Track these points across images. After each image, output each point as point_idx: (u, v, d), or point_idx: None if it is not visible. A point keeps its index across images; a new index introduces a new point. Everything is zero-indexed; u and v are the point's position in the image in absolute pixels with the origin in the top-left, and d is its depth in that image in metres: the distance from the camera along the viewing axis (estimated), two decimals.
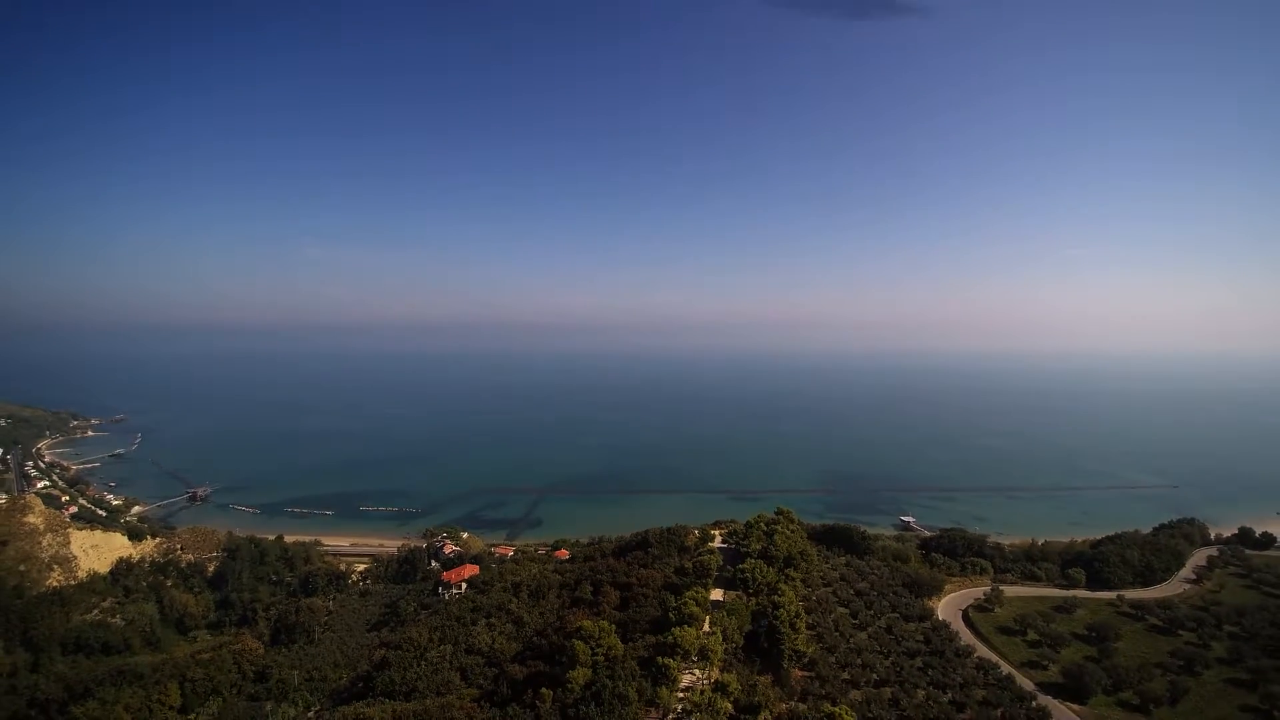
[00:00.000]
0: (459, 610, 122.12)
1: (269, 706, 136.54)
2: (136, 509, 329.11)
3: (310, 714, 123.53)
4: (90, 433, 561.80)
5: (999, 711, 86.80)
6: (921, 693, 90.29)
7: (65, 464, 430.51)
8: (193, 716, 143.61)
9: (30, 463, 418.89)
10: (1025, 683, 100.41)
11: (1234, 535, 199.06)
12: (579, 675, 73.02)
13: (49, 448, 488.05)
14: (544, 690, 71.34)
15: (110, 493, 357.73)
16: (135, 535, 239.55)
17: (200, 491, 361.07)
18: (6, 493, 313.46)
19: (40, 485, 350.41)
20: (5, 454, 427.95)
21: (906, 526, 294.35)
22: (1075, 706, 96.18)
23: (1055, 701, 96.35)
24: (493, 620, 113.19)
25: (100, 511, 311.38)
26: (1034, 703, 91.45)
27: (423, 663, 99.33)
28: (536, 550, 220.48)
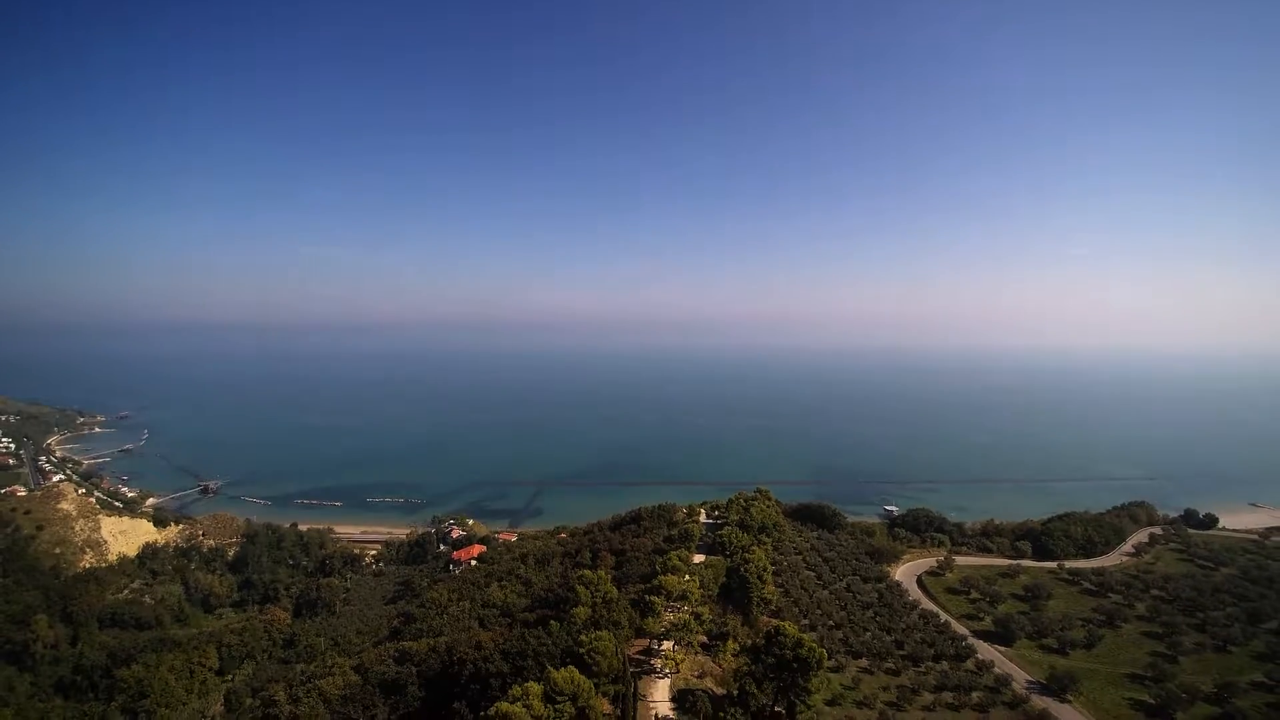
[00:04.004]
0: (473, 576, 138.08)
1: (299, 667, 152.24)
2: (151, 501, 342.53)
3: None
4: (97, 429, 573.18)
5: (932, 649, 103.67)
6: (869, 634, 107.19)
7: (77, 459, 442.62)
8: (229, 677, 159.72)
9: (43, 458, 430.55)
10: (960, 629, 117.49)
11: (1180, 516, 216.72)
12: (581, 612, 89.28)
13: (59, 443, 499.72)
14: (552, 623, 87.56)
15: (124, 486, 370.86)
16: (160, 522, 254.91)
17: (212, 484, 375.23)
18: (24, 486, 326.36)
19: (55, 479, 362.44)
20: (17, 449, 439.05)
21: (889, 516, 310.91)
22: (1001, 648, 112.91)
23: (983, 643, 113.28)
24: (504, 583, 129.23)
25: (117, 504, 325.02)
26: (964, 642, 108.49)
27: (444, 616, 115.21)
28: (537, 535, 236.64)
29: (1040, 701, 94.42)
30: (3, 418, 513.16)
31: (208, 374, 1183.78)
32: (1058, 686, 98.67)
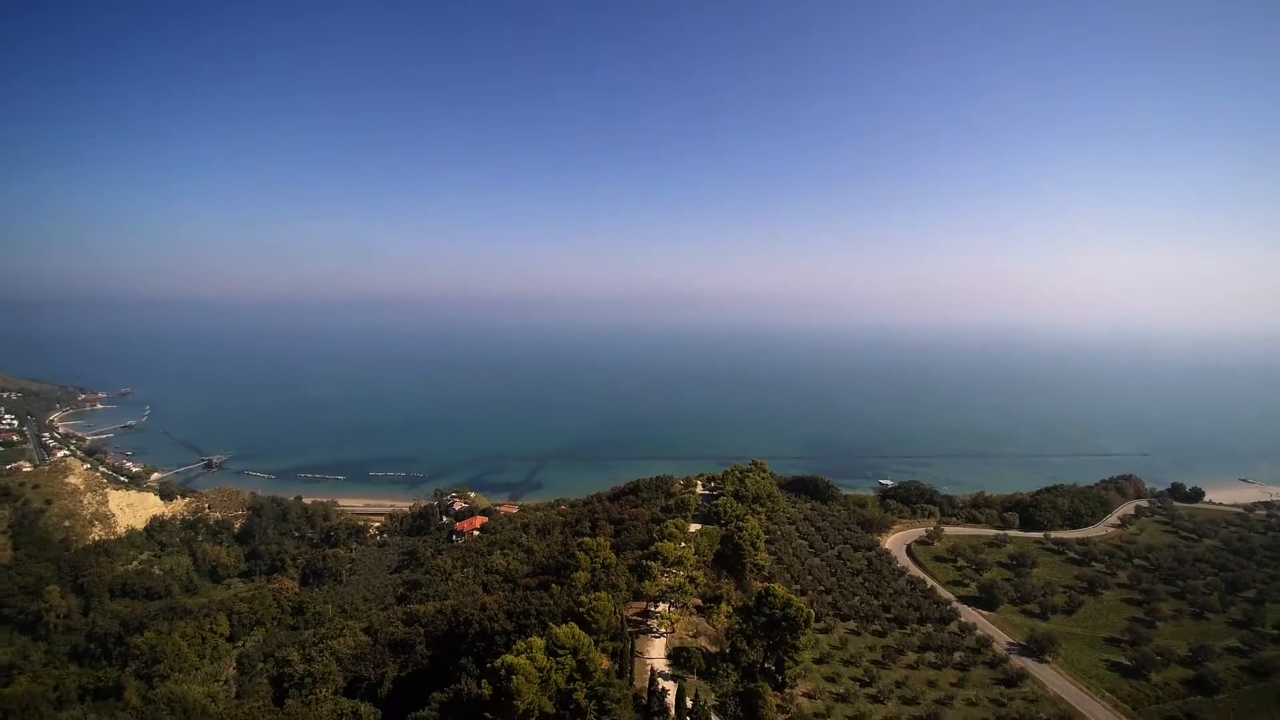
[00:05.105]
0: (476, 545, 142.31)
1: (307, 634, 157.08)
2: (155, 476, 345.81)
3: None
4: (99, 405, 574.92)
5: (917, 612, 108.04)
6: (858, 598, 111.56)
7: (80, 435, 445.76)
8: (240, 643, 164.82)
9: (46, 434, 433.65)
10: (946, 594, 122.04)
11: (1166, 490, 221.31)
12: (581, 576, 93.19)
13: (61, 420, 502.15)
14: (553, 586, 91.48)
15: (129, 461, 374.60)
16: (166, 495, 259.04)
17: (215, 459, 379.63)
18: (29, 462, 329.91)
19: (59, 455, 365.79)
20: (21, 426, 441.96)
21: (883, 488, 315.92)
22: (985, 612, 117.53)
23: (968, 608, 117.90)
24: (506, 551, 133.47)
25: (122, 479, 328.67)
26: (949, 607, 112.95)
27: (449, 582, 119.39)
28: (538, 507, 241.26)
29: (1019, 662, 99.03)
30: (5, 394, 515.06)
31: (207, 349, 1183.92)
32: (1037, 648, 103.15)
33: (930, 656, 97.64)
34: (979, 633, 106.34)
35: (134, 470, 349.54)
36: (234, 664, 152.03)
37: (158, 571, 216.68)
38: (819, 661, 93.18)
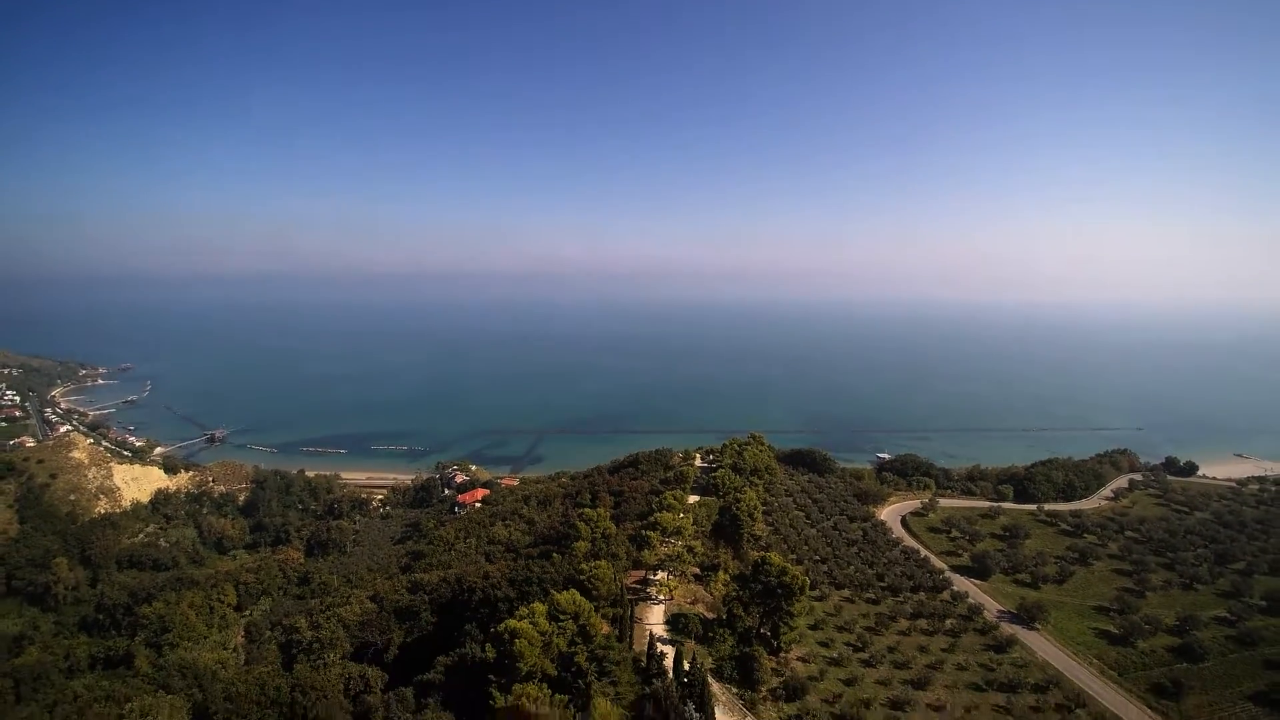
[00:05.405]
0: (478, 517, 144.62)
1: (314, 602, 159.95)
2: (159, 450, 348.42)
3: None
4: (100, 381, 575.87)
5: (911, 581, 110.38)
6: (852, 568, 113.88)
7: (82, 410, 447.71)
8: (248, 612, 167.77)
9: (48, 410, 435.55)
10: (939, 564, 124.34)
11: (1161, 464, 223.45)
12: (581, 546, 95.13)
13: (63, 395, 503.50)
14: (554, 555, 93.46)
15: (131, 436, 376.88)
16: (170, 469, 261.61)
17: (218, 433, 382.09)
18: (32, 437, 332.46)
19: (62, 430, 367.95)
20: (23, 402, 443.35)
21: (881, 462, 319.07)
22: (977, 581, 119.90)
23: (960, 577, 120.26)
24: (508, 522, 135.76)
25: (125, 453, 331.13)
26: (942, 576, 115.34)
27: (452, 552, 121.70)
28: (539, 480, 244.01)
29: (1009, 629, 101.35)
30: (5, 370, 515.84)
31: (208, 325, 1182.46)
32: (1027, 616, 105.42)
33: (922, 623, 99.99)
34: (970, 601, 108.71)
35: (137, 445, 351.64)
36: (242, 632, 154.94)
37: (164, 544, 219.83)
38: (814, 628, 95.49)
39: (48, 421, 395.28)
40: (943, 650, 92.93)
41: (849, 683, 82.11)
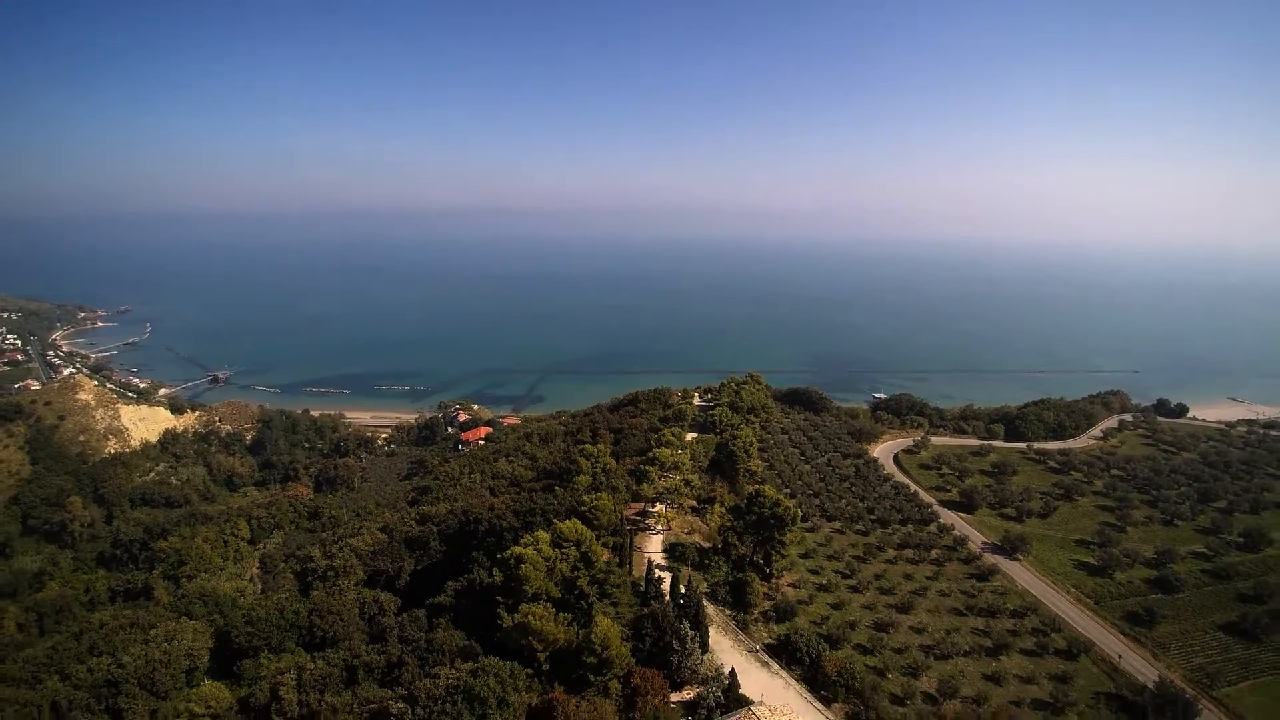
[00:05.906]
0: (482, 454, 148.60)
1: (326, 534, 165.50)
2: (163, 391, 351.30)
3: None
4: (99, 324, 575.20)
5: (899, 514, 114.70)
6: (844, 501, 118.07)
7: (84, 353, 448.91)
8: (261, 545, 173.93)
9: (50, 353, 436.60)
10: (928, 499, 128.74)
11: (1152, 406, 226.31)
12: (583, 479, 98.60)
13: (64, 338, 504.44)
14: (556, 488, 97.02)
15: (134, 377, 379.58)
16: (177, 409, 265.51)
17: (221, 374, 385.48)
18: (35, 380, 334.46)
19: (66, 372, 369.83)
20: (24, 345, 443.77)
21: (876, 401, 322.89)
22: (964, 515, 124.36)
23: (948, 511, 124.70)
24: (511, 458, 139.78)
25: (130, 395, 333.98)
26: (929, 509, 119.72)
27: (458, 487, 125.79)
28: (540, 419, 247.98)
29: (992, 559, 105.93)
30: (4, 314, 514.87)
31: (207, 265, 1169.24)
32: (1009, 547, 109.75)
33: (909, 553, 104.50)
34: (956, 533, 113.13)
35: (141, 386, 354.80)
36: (257, 564, 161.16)
37: (175, 481, 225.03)
38: (805, 556, 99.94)
39: (50, 364, 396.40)
40: (927, 578, 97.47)
41: (836, 607, 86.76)
